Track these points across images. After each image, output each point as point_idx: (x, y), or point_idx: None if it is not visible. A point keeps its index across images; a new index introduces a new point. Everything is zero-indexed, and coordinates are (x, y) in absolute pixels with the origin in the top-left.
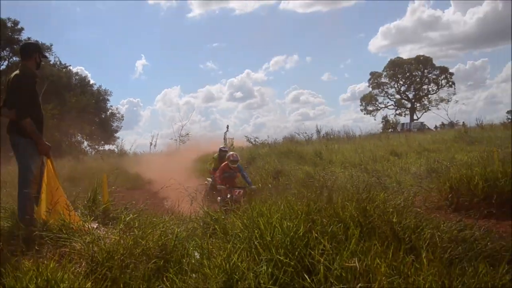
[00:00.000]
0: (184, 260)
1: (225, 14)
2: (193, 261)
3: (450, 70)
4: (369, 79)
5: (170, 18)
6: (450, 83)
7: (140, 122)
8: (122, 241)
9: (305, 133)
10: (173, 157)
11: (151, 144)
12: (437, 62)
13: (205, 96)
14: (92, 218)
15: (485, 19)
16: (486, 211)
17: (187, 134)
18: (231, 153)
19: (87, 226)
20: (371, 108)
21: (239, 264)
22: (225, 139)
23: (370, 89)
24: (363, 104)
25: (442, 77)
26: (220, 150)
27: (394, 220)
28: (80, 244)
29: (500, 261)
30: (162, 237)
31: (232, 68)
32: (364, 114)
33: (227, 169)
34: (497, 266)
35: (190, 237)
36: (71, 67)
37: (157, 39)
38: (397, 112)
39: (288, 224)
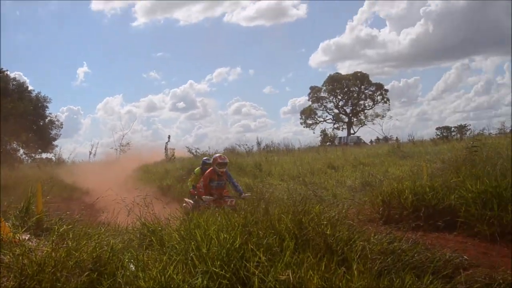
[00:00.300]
0: (119, 273)
1: (170, 24)
2: (128, 273)
3: (385, 87)
4: (309, 93)
5: (114, 26)
6: (385, 99)
7: (80, 130)
8: (54, 253)
9: (246, 144)
10: (112, 167)
11: (90, 153)
12: (373, 79)
13: (148, 105)
14: (24, 229)
15: (417, 40)
16: (414, 224)
17: (128, 143)
18: (218, 154)
19: (17, 237)
20: (310, 122)
21: (175, 276)
22: (166, 149)
23: (310, 103)
24: (303, 117)
25: (377, 93)
26: (204, 162)
27: (328, 232)
28: (9, 257)
29: (425, 272)
30: (97, 249)
31: (175, 78)
32: (304, 127)
33: (213, 177)
34: (422, 277)
35: (125, 249)
36: (8, 72)
37: (100, 47)
38: (335, 126)
39: (225, 236)
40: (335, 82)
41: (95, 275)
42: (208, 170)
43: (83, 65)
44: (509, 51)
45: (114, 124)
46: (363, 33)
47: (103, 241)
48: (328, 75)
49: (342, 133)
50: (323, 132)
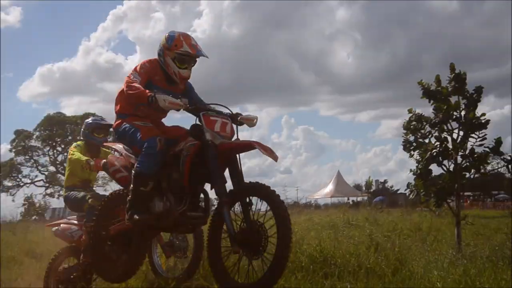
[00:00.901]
0: None
1: None
2: None
3: None
4: (13, 140)
5: None
6: None
7: None
8: None
9: None
10: None
11: None
12: None
13: None
14: None
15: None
16: None
17: None
18: (183, 32)
19: None
20: (9, 183)
21: None
22: None
23: (13, 155)
24: None
25: None
26: (90, 125)
27: None
28: None
29: None
30: None
31: None
32: None
33: (158, 78)
34: None
35: None
36: None
37: None
38: (48, 191)
39: None
40: (55, 126)
41: None
42: (150, 61)
43: None
44: (288, 101)
45: None
46: (102, 59)
47: None
48: (46, 114)
49: (59, 203)
50: (28, 201)
